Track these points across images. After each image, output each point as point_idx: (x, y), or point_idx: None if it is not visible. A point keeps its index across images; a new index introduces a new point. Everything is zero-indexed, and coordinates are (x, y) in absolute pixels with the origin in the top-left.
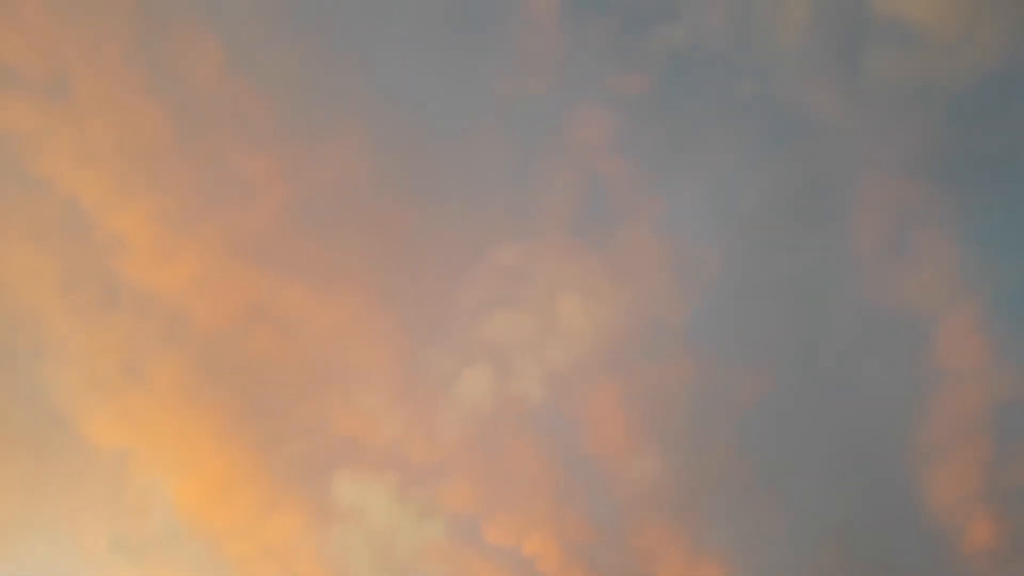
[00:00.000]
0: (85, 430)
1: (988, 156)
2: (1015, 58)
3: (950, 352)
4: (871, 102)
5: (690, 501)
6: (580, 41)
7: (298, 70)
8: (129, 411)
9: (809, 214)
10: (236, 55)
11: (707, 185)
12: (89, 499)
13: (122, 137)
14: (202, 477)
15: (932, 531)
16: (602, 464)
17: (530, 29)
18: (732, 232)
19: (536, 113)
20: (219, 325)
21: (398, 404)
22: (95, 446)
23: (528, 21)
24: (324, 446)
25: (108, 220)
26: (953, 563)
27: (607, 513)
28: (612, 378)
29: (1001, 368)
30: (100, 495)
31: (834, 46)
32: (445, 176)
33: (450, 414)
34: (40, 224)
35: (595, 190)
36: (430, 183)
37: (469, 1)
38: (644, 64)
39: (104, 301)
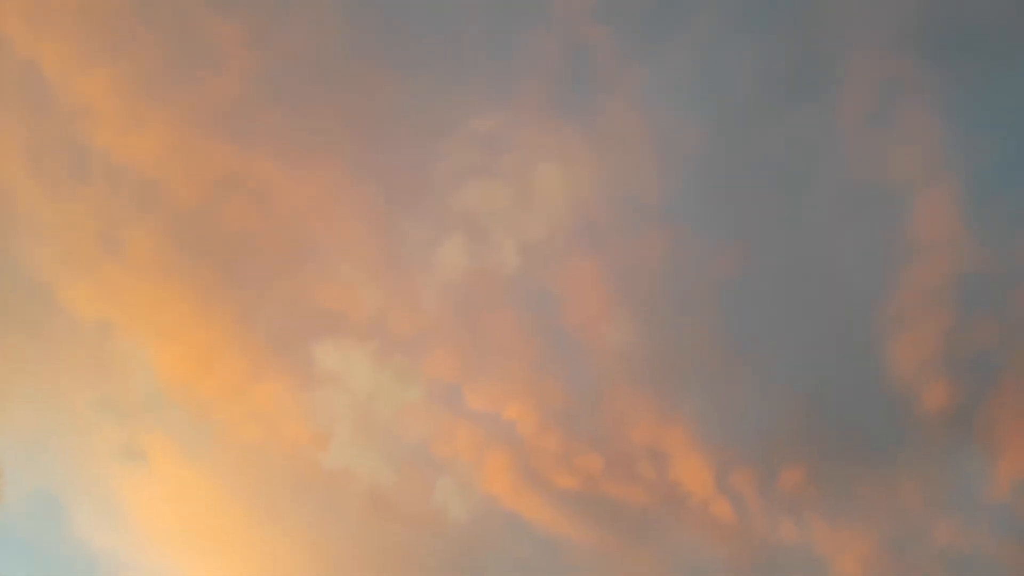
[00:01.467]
0: (64, 301)
1: (974, 31)
2: None
3: (924, 225)
4: None
5: (663, 370)
6: None
7: None
8: (107, 282)
9: (794, 88)
10: None
11: (692, 58)
12: (71, 366)
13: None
14: (185, 346)
15: (892, 396)
16: (578, 334)
17: None
18: (714, 106)
19: None
20: (193, 197)
21: (377, 276)
22: (75, 316)
23: None
24: (305, 317)
25: (71, 87)
26: (909, 426)
27: (583, 380)
28: (588, 251)
29: (970, 241)
30: (82, 362)
31: None
32: (422, 42)
33: (429, 284)
34: None
35: (577, 59)
36: (407, 49)
37: None
38: None
39: (73, 172)
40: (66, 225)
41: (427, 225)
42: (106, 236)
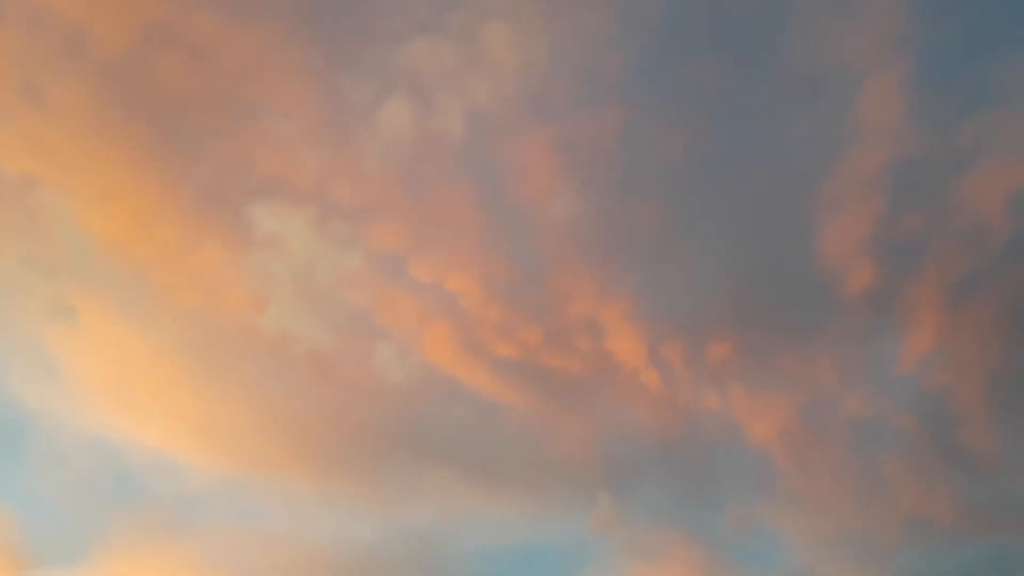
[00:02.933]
0: None
1: None
2: None
3: (869, 111)
4: None
5: (606, 246)
6: None
7: None
8: (31, 134)
9: None
10: None
11: None
12: None
13: None
14: (117, 206)
15: (821, 276)
16: (525, 208)
17: None
18: None
19: None
20: (122, 47)
21: (318, 139)
22: None
23: None
24: (243, 179)
25: None
26: (835, 305)
27: (527, 254)
28: (539, 122)
29: (912, 127)
30: (6, 217)
31: None
32: None
33: (372, 150)
34: None
35: None
36: None
37: None
38: None
39: None
40: None
41: (369, 84)
42: (26, 84)
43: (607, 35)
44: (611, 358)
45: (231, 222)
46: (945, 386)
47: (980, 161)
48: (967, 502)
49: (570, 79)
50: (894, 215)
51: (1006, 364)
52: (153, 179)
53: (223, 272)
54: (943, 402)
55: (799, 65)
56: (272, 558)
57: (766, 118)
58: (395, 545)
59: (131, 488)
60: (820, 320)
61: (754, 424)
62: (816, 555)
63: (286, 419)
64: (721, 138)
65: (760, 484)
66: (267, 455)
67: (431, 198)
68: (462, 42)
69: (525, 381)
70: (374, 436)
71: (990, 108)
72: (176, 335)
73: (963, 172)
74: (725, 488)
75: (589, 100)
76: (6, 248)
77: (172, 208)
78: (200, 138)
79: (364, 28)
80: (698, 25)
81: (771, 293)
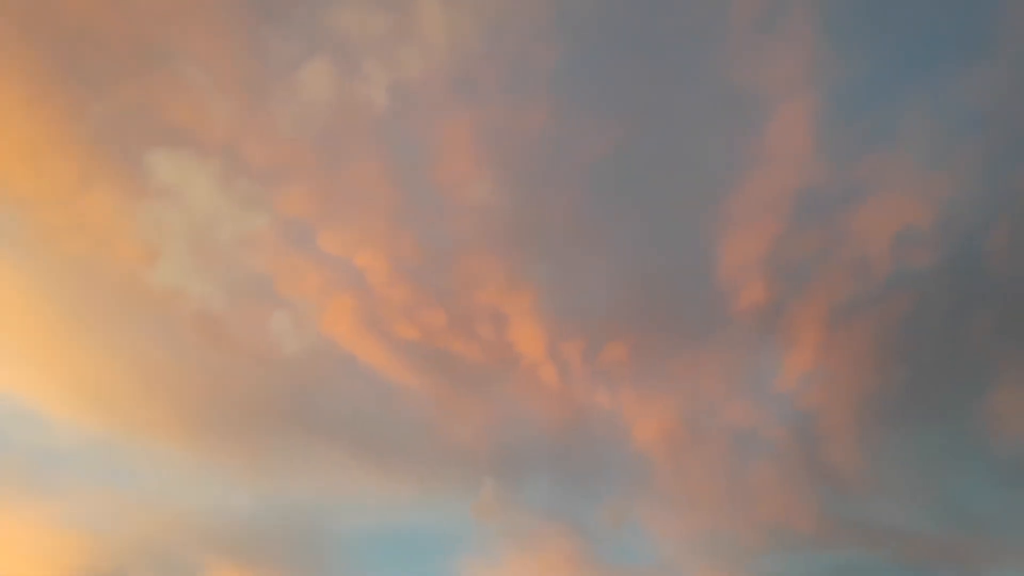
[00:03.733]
0: None
1: None
2: None
3: (777, 136)
4: None
5: (518, 237)
6: None
7: None
8: None
9: None
10: None
11: None
12: None
13: None
14: (9, 139)
15: (718, 290)
16: (442, 190)
17: None
18: None
19: None
20: None
21: (232, 91)
22: None
23: None
24: (146, 125)
25: None
26: (727, 317)
27: (440, 237)
28: (465, 104)
29: (814, 157)
30: None
31: None
32: None
33: (288, 109)
34: None
35: None
36: None
37: None
38: None
39: None
40: None
41: (293, 42)
42: None
43: (541, 25)
44: (511, 349)
45: (127, 167)
46: (817, 405)
47: (873, 197)
48: (826, 514)
49: (501, 64)
50: (789, 238)
51: (873, 390)
52: (47, 113)
53: (113, 219)
54: (814, 419)
55: (721, 84)
56: (140, 523)
57: (685, 130)
58: (273, 519)
59: None
60: (712, 331)
61: (640, 424)
62: (682, 553)
63: (167, 380)
64: (641, 143)
65: (638, 482)
66: (143, 416)
67: (347, 168)
68: (394, 11)
69: (424, 364)
70: (261, 406)
71: (887, 149)
72: (56, 280)
73: (856, 205)
74: (606, 484)
75: (518, 88)
76: None
77: (65, 145)
78: (103, 76)
79: None
80: (632, 31)
81: (670, 300)
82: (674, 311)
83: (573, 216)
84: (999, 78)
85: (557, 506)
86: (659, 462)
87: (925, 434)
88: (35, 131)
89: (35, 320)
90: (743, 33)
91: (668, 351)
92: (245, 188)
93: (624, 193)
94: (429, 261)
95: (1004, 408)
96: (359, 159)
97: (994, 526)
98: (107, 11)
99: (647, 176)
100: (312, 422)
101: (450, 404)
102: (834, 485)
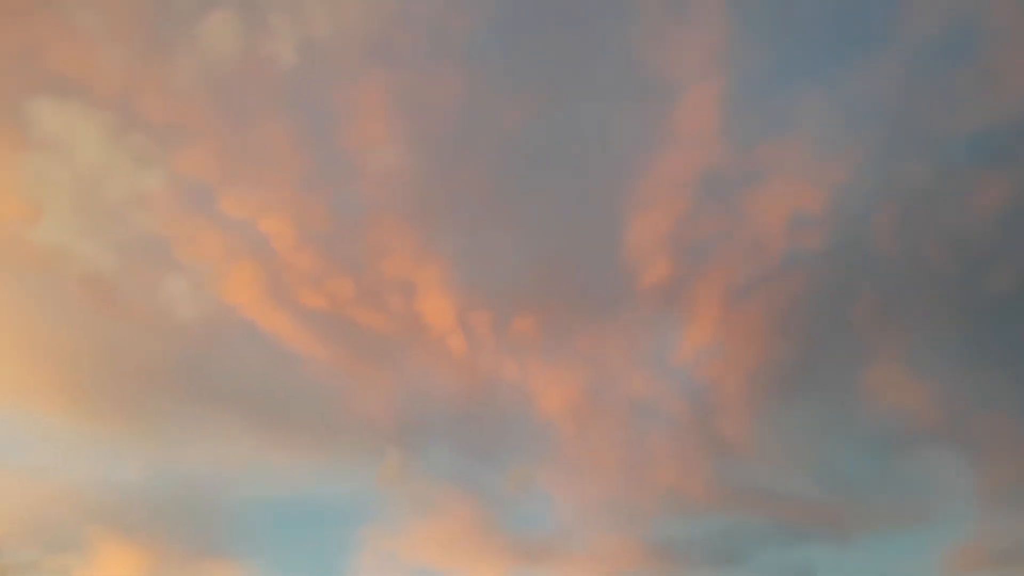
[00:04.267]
0: None
1: None
2: None
3: (686, 119)
4: None
5: (429, 207)
6: None
7: None
8: None
9: None
10: None
11: None
12: None
13: None
14: None
15: (624, 266)
16: (352, 154)
17: None
18: None
19: None
20: None
21: (128, 40)
22: None
23: None
24: (29, 71)
25: None
26: (632, 292)
27: (349, 204)
28: (378, 67)
29: (719, 140)
30: None
31: None
32: None
33: (190, 63)
34: None
35: None
36: None
37: None
38: None
39: None
40: None
41: None
42: None
43: None
44: (420, 320)
45: (7, 117)
46: (712, 378)
47: (771, 181)
48: (716, 480)
49: (416, 30)
50: (693, 218)
51: (764, 365)
52: None
53: None
54: (709, 391)
55: (634, 64)
56: (19, 496)
57: (597, 108)
58: (166, 490)
59: None
60: (617, 305)
61: (545, 395)
62: (583, 518)
63: (51, 345)
64: (555, 120)
65: (542, 451)
66: (23, 382)
67: (252, 128)
68: None
69: (329, 333)
70: (154, 374)
71: (786, 135)
72: None
73: (755, 188)
74: (511, 453)
75: (433, 55)
76: None
77: None
78: None
79: None
80: (548, 6)
81: (578, 275)
82: (582, 285)
83: (485, 188)
84: (892, 74)
85: (461, 474)
86: (563, 432)
87: (808, 406)
88: None
89: None
90: (656, 16)
91: (575, 324)
92: (139, 144)
93: (535, 168)
94: (338, 228)
95: (878, 384)
96: (265, 119)
97: (864, 492)
98: None
99: (558, 151)
100: (209, 391)
101: (356, 374)
102: (725, 453)
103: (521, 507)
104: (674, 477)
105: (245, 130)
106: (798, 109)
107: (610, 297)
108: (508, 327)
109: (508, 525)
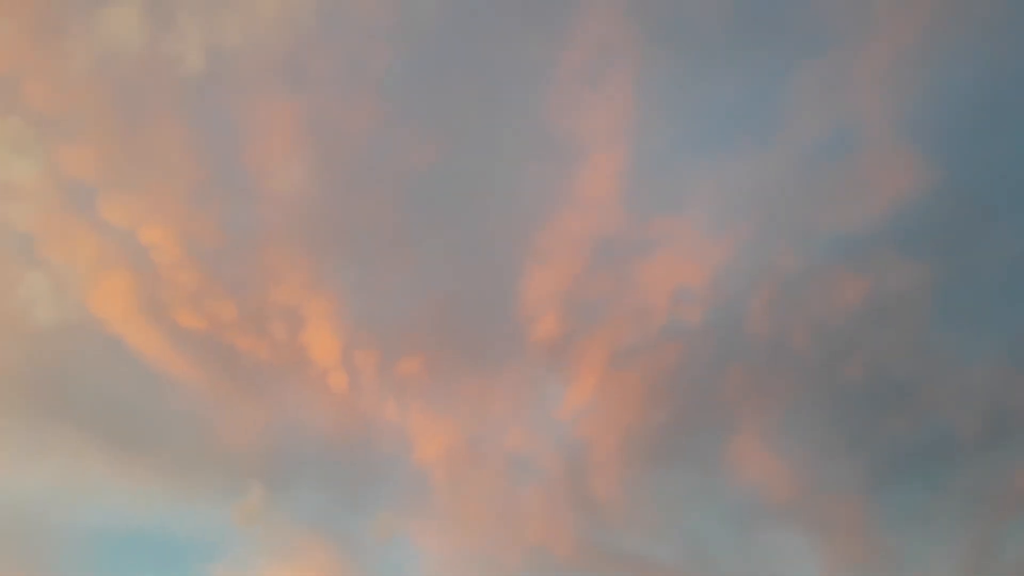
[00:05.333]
0: None
1: (693, 24)
2: None
3: (589, 182)
4: None
5: (326, 236)
6: None
7: None
8: None
9: (538, 13)
10: None
11: None
12: None
13: None
14: None
15: (516, 317)
16: (252, 171)
17: None
18: (460, 6)
19: None
20: None
21: (17, 13)
22: None
23: None
24: None
25: None
26: (519, 346)
27: (242, 222)
28: (291, 87)
29: (616, 207)
30: None
31: None
32: None
33: (85, 50)
34: None
35: None
36: None
37: None
38: None
39: None
40: None
41: None
42: None
43: (381, 25)
44: (303, 352)
45: None
46: (588, 438)
47: (659, 253)
48: (583, 541)
49: (333, 54)
50: (585, 279)
51: (637, 430)
52: None
53: None
54: (584, 451)
55: (544, 125)
56: None
57: (505, 160)
58: None
59: None
60: (505, 356)
61: (424, 441)
62: (446, 570)
63: None
64: (461, 165)
65: (414, 498)
66: None
67: (146, 130)
68: None
69: (204, 356)
70: None
71: (676, 212)
72: None
73: (645, 258)
74: (381, 498)
75: (347, 83)
76: None
77: None
78: None
79: None
80: (468, 56)
81: (470, 322)
82: (473, 332)
83: (385, 224)
84: (773, 168)
85: (326, 517)
86: (437, 480)
87: (677, 474)
88: None
89: None
90: (569, 83)
91: (462, 371)
92: (15, 128)
93: (437, 210)
94: (227, 247)
95: (740, 457)
96: (161, 123)
97: (722, 564)
98: None
99: (462, 197)
100: (61, 405)
101: (227, 402)
102: (594, 514)
103: (385, 555)
104: (543, 534)
105: (138, 132)
106: (690, 189)
107: (499, 347)
108: (393, 368)
109: (368, 573)
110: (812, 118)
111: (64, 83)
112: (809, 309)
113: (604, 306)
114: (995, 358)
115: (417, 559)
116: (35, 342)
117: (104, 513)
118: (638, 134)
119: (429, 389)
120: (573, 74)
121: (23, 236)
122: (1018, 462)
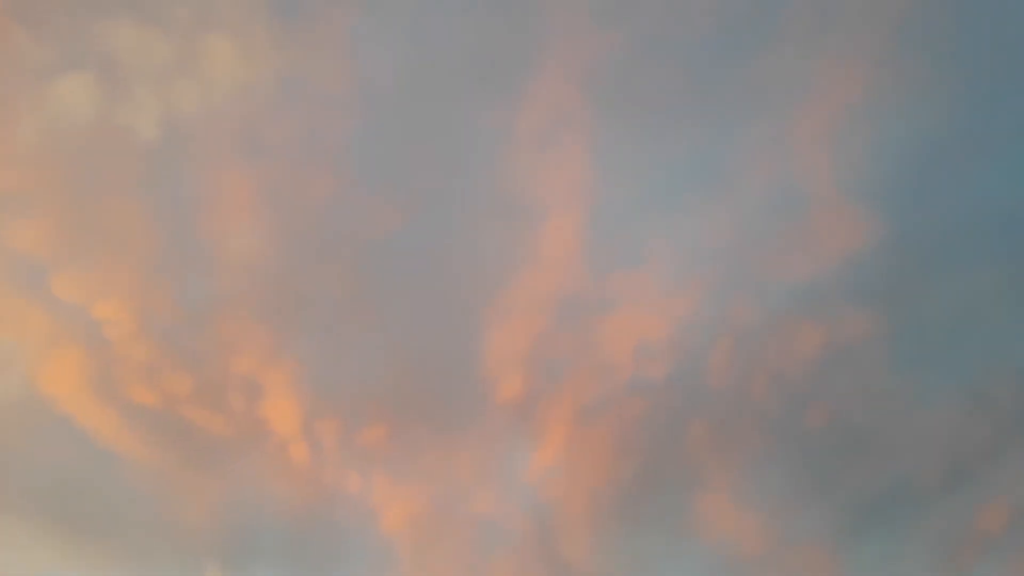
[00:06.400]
0: None
1: (643, 90)
2: None
3: (549, 242)
4: None
5: (285, 303)
6: None
7: None
8: None
9: (491, 75)
10: None
11: (412, 20)
12: None
13: None
14: None
15: (480, 378)
16: (208, 242)
17: None
18: (416, 76)
19: None
20: None
21: None
22: None
23: None
24: None
25: None
26: (484, 408)
27: (197, 293)
28: (248, 156)
29: (577, 266)
30: None
31: None
32: None
33: (36, 123)
34: None
35: None
36: None
37: None
38: None
39: None
40: None
41: (52, 50)
42: None
43: (339, 94)
44: (262, 424)
45: None
46: (556, 498)
47: (621, 309)
48: None
49: (290, 124)
50: (548, 338)
51: (605, 488)
52: None
53: None
54: (552, 512)
55: (502, 187)
56: None
57: (464, 224)
58: None
59: None
60: (470, 420)
61: (388, 511)
62: None
63: None
64: (420, 230)
65: (380, 570)
66: None
67: (99, 202)
68: (176, 38)
69: (158, 432)
70: None
71: (636, 268)
72: None
73: (607, 315)
74: (347, 572)
75: (305, 152)
76: None
77: None
78: None
79: None
80: (425, 124)
81: (433, 386)
82: (436, 397)
83: (344, 290)
84: (726, 223)
85: None
86: (404, 549)
87: (645, 532)
88: None
89: None
90: (526, 147)
91: (426, 437)
92: None
93: (398, 275)
94: (183, 319)
95: (709, 512)
96: (115, 194)
97: None
98: None
99: (421, 261)
100: (2, 487)
101: (182, 479)
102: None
103: None
104: None
105: (91, 205)
106: (647, 246)
107: (464, 410)
108: (356, 437)
109: None
110: (759, 175)
111: (13, 157)
112: (769, 359)
113: (568, 364)
114: (951, 401)
115: None
116: None
117: None
118: (594, 194)
119: (393, 456)
120: (529, 138)
121: None
122: (981, 503)
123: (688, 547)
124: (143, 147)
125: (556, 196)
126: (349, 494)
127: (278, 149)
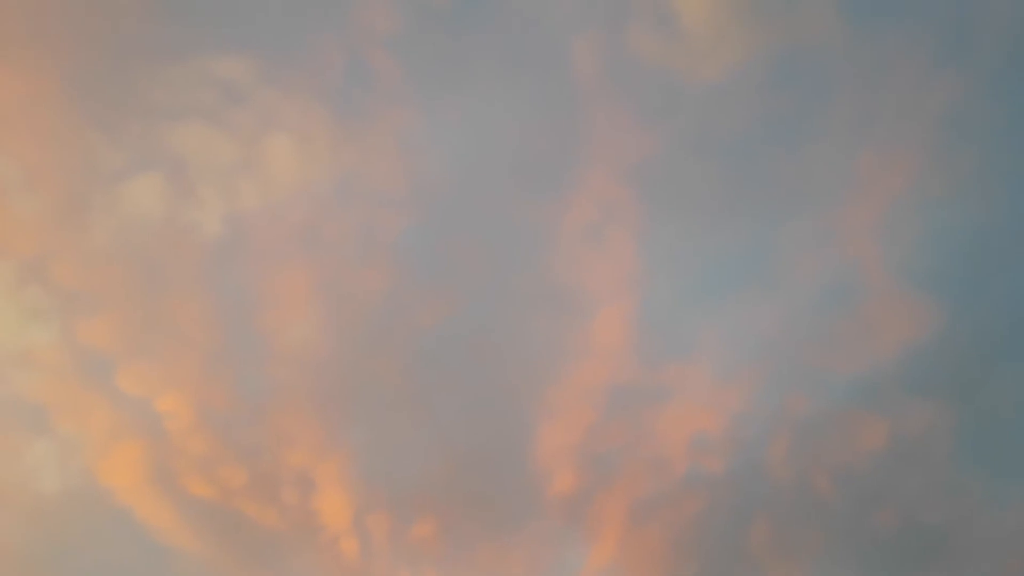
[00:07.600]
0: None
1: (688, 190)
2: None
3: (600, 333)
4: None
5: (338, 396)
6: None
7: None
8: None
9: (541, 172)
10: None
11: (463, 121)
12: None
13: None
14: None
15: (532, 473)
16: (266, 335)
17: None
18: (467, 174)
19: None
20: None
21: (45, 188)
22: None
23: None
24: None
25: None
26: (539, 501)
27: (255, 386)
28: (306, 252)
29: (629, 357)
30: None
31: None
32: None
33: (107, 223)
34: None
35: (355, 65)
36: None
37: None
38: None
39: None
40: None
41: (123, 153)
42: None
43: (393, 193)
44: (314, 518)
45: None
46: None
47: (674, 401)
48: None
49: (347, 221)
50: (600, 430)
51: None
52: None
53: None
54: None
55: (552, 281)
56: None
57: (515, 316)
58: None
59: None
60: (522, 516)
61: None
62: None
63: None
64: (473, 322)
65: None
66: None
67: (164, 298)
68: (240, 141)
69: (213, 526)
70: None
71: (688, 359)
72: None
73: (660, 407)
74: None
75: (361, 248)
76: None
77: None
78: None
79: (136, 96)
80: (476, 221)
81: (484, 480)
82: (487, 492)
83: (396, 382)
84: (779, 314)
85: None
86: None
87: None
88: None
89: None
90: (574, 241)
91: (477, 533)
92: (36, 298)
93: (449, 368)
94: (239, 411)
95: None
96: (180, 291)
97: None
98: None
99: (473, 354)
100: None
101: (233, 572)
102: None
103: None
104: None
105: (156, 301)
106: (699, 336)
107: (515, 505)
108: (406, 532)
109: None
110: (809, 265)
111: (87, 257)
112: (831, 453)
113: (621, 457)
114: None
115: None
116: (38, 513)
117: None
118: (644, 285)
119: (443, 553)
120: (577, 232)
121: (34, 406)
122: None
123: None
124: (207, 244)
125: (606, 288)
126: None
127: (335, 244)
